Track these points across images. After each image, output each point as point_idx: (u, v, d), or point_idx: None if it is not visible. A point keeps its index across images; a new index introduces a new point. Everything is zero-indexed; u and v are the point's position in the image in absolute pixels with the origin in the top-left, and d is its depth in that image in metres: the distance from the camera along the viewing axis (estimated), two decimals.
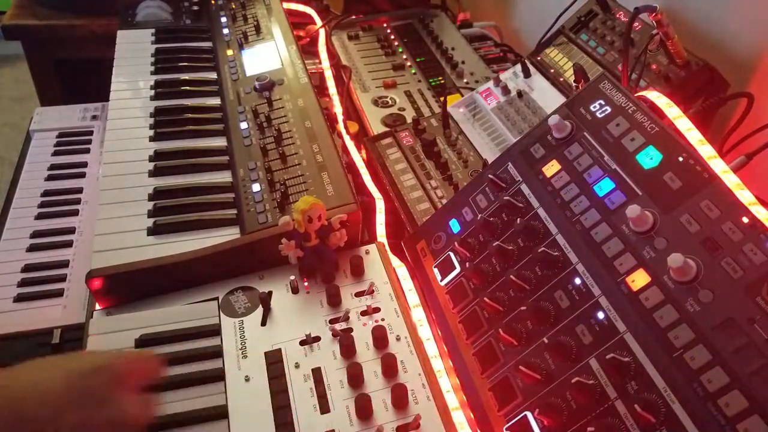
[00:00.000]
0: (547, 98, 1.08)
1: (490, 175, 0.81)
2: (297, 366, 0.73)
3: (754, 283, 0.56)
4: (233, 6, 1.41)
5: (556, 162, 0.76)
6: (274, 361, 0.73)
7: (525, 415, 0.64)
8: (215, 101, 1.14)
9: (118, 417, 0.52)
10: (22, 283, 0.97)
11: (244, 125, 1.05)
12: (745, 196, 0.62)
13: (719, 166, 0.66)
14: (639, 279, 0.63)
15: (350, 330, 0.76)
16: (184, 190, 0.94)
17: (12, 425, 0.46)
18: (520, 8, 1.65)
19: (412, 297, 0.82)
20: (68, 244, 1.05)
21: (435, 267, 0.82)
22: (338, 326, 0.76)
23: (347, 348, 0.73)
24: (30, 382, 0.49)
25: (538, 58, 1.17)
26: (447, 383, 0.72)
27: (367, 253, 0.86)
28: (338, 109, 1.20)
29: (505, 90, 1.14)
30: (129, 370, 0.56)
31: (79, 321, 0.90)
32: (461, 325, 0.75)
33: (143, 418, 0.57)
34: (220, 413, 0.69)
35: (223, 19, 1.38)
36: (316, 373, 0.72)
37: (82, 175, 1.20)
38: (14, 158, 1.26)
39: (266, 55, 1.21)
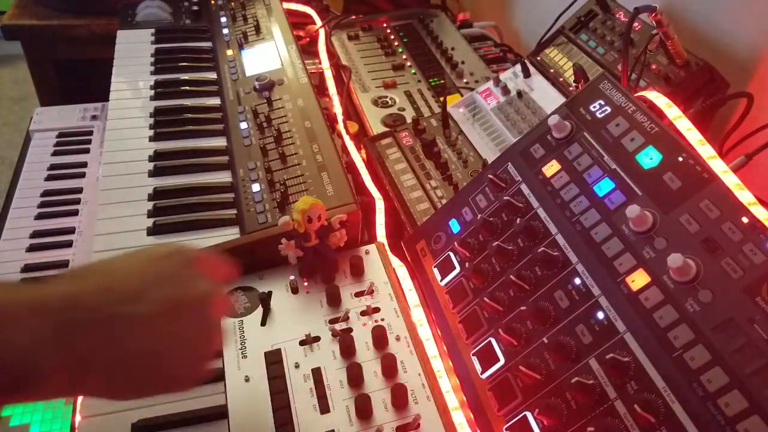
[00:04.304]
0: (547, 98, 1.08)
1: (490, 175, 0.81)
2: (297, 366, 0.73)
3: (754, 283, 0.56)
4: (233, 6, 1.41)
5: (555, 162, 0.76)
6: (274, 361, 0.73)
7: (525, 415, 0.64)
8: (215, 101, 1.14)
9: (199, 295, 0.54)
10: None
11: (244, 125, 1.05)
12: (745, 196, 0.62)
13: (719, 166, 0.66)
14: (639, 279, 0.63)
15: (350, 330, 0.76)
16: (184, 190, 0.94)
17: (102, 300, 0.48)
18: (520, 8, 1.65)
19: (412, 297, 0.82)
20: (68, 244, 1.05)
21: (435, 267, 0.82)
22: (338, 326, 0.76)
23: (347, 348, 0.73)
24: (117, 263, 0.53)
25: (538, 58, 1.17)
26: (447, 383, 0.72)
27: (367, 253, 0.86)
28: (338, 109, 1.20)
29: (505, 90, 1.13)
30: (200, 257, 0.57)
31: None
32: (461, 325, 0.75)
33: (223, 305, 0.59)
34: (220, 413, 0.69)
35: (223, 19, 1.38)
36: (316, 373, 0.72)
37: (82, 175, 1.20)
38: (14, 158, 1.26)
39: (266, 55, 1.21)
